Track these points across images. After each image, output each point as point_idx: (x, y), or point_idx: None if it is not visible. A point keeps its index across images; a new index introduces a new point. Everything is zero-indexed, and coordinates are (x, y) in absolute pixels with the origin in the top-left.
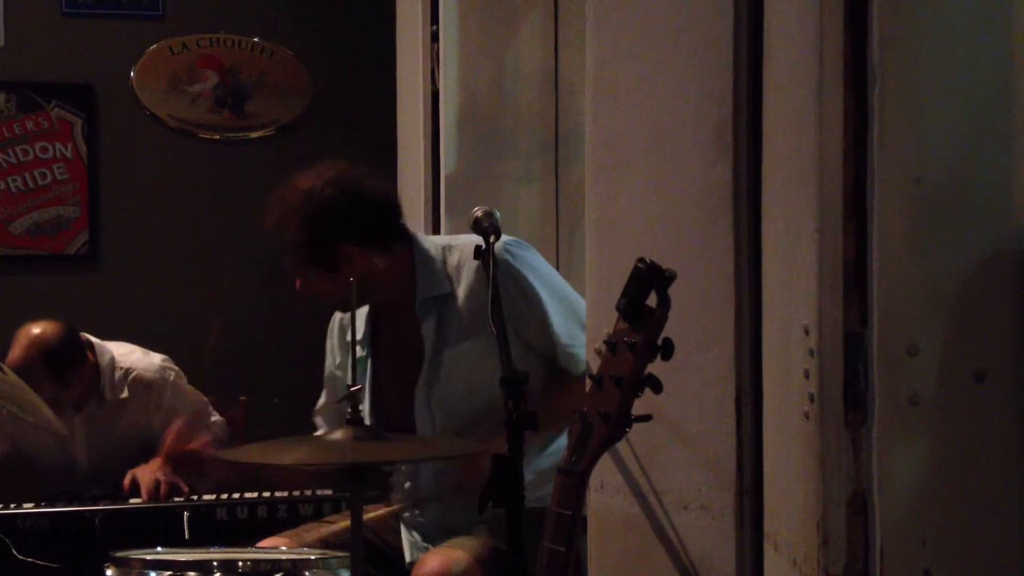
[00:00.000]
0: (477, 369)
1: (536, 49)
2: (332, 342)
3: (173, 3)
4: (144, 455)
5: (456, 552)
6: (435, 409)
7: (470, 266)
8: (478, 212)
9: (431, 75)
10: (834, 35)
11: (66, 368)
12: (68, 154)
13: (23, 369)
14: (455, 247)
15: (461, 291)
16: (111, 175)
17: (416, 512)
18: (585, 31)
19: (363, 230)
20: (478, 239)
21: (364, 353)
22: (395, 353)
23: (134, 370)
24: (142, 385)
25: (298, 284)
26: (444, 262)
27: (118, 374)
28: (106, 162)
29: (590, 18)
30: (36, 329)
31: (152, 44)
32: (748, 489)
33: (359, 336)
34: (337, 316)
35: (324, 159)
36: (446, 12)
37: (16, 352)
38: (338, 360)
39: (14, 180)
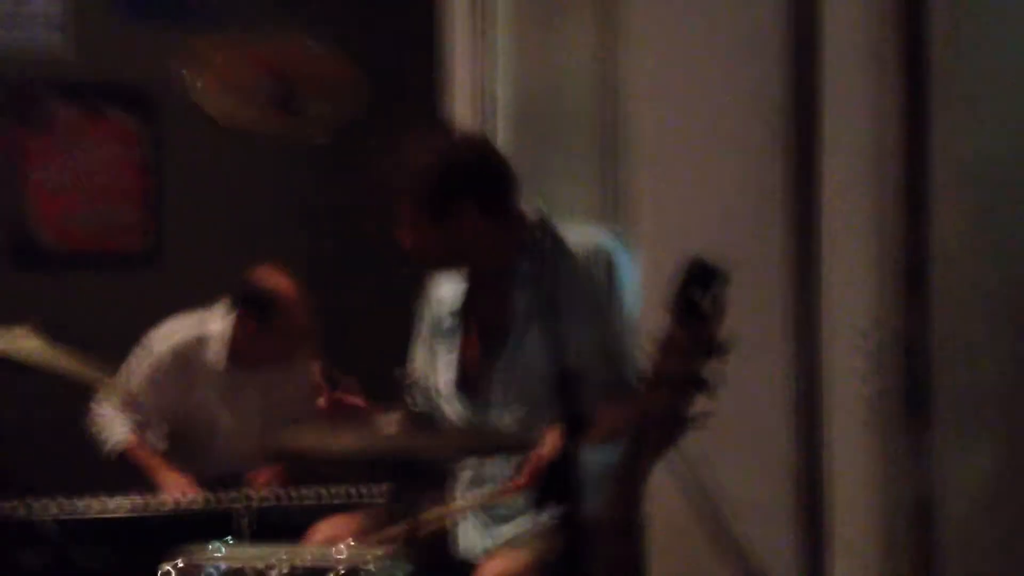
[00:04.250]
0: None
1: (585, 43)
2: (426, 313)
3: (228, 6)
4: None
5: (517, 556)
6: (514, 381)
7: (573, 253)
8: (533, 213)
9: (480, 73)
10: (889, 27)
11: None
12: (127, 155)
13: (297, 297)
14: (556, 236)
15: (556, 272)
16: (171, 177)
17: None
18: (634, 25)
19: (480, 191)
20: (591, 231)
21: (455, 323)
22: (485, 323)
23: None
24: None
25: (404, 238)
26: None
27: None
28: (165, 164)
29: (639, 13)
30: (264, 272)
31: (210, 48)
32: (810, 493)
33: (456, 304)
34: (432, 292)
35: (375, 159)
36: (497, 13)
37: (284, 284)
38: (422, 338)
39: (78, 183)
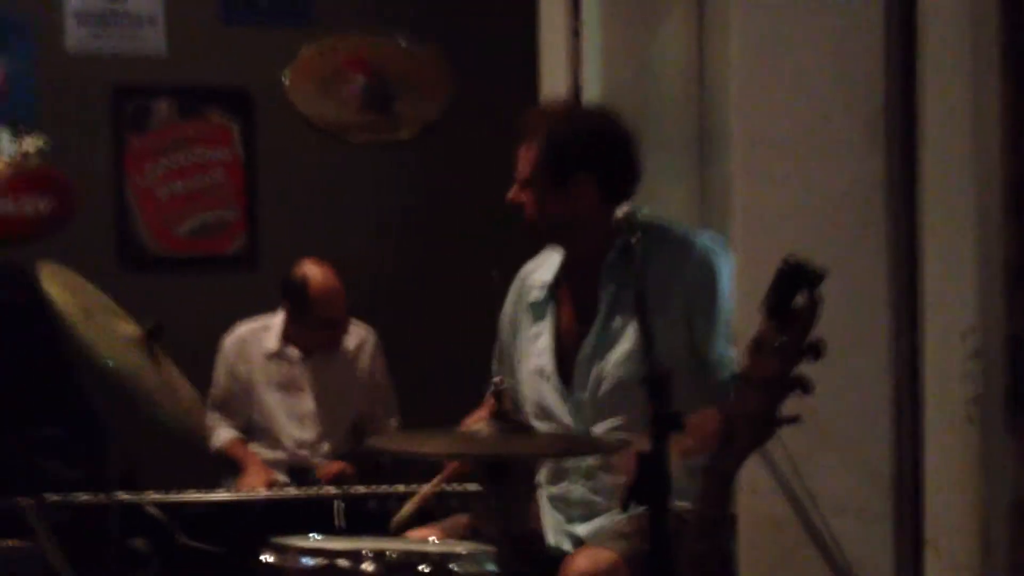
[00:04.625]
0: (641, 346)
1: (681, 41)
2: (510, 304)
3: (323, 7)
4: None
5: (604, 552)
6: (595, 369)
7: (669, 251)
8: (619, 212)
9: (574, 71)
10: (988, 19)
11: None
12: (227, 158)
13: (329, 289)
14: (664, 230)
15: (652, 267)
16: (267, 177)
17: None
18: (731, 22)
19: (606, 170)
20: (695, 233)
21: (544, 297)
22: (576, 304)
23: (350, 321)
24: (361, 336)
25: (514, 191)
26: (643, 235)
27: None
28: (262, 165)
29: (736, 8)
30: (308, 263)
31: (303, 48)
32: (907, 494)
33: (548, 278)
34: (525, 268)
35: (471, 156)
36: (588, 7)
37: (325, 276)
38: (507, 315)
39: (177, 184)
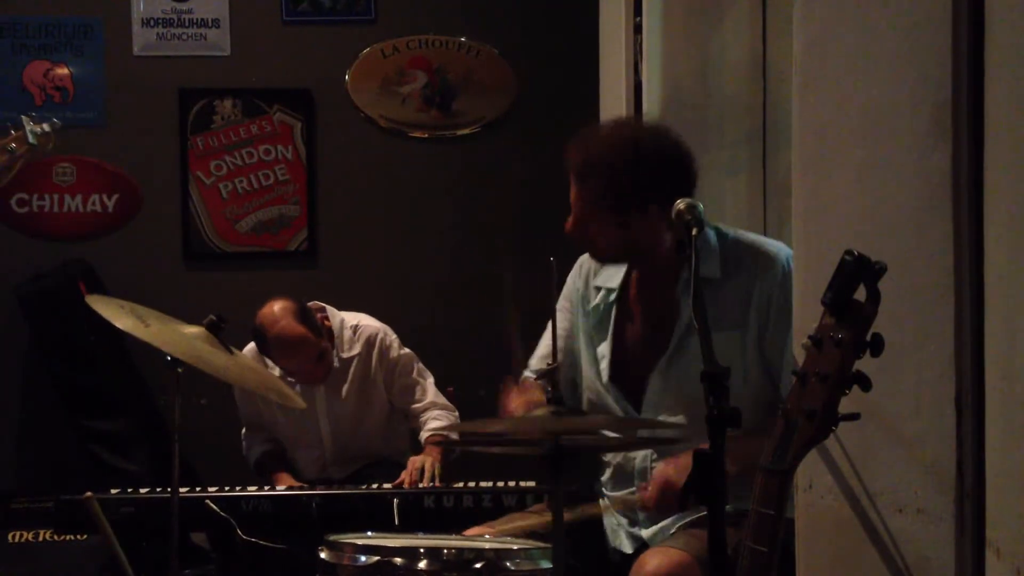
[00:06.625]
0: (723, 359)
1: (743, 36)
2: (574, 283)
3: (384, 7)
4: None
5: (676, 552)
6: (671, 382)
7: (748, 263)
8: (680, 205)
9: (634, 67)
10: None
11: (315, 320)
12: (289, 156)
13: (293, 335)
14: (744, 243)
15: (731, 282)
16: (328, 175)
17: (623, 494)
18: (793, 14)
19: (669, 193)
20: (768, 244)
21: (608, 301)
22: (646, 317)
23: (361, 326)
24: (369, 339)
25: (571, 222)
26: (721, 249)
27: (347, 333)
28: (323, 162)
29: (800, 5)
30: (275, 305)
31: (365, 48)
32: (969, 493)
33: (613, 284)
34: (587, 262)
35: (530, 154)
36: (650, 3)
37: (281, 325)
38: (569, 302)
39: (240, 181)
